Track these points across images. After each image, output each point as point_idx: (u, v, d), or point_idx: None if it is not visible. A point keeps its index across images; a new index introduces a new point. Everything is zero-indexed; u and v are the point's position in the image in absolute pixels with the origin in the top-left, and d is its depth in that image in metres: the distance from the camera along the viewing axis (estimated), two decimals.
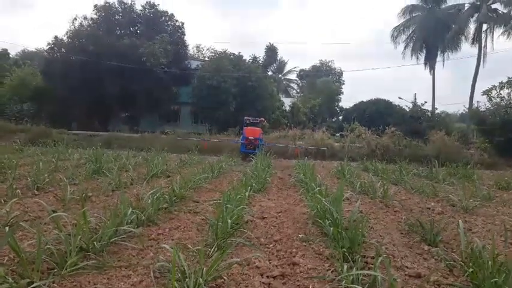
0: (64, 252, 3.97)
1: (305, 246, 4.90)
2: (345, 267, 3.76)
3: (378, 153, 18.45)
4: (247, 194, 7.73)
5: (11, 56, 43.72)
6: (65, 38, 29.57)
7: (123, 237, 4.75)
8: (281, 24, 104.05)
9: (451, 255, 4.64)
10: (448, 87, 79.61)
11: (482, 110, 21.47)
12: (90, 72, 26.57)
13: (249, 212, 6.54)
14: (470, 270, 3.76)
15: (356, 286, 3.38)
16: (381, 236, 5.59)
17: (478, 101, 26.04)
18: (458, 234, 5.77)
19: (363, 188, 9.54)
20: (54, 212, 6.21)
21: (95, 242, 4.30)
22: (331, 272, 4.04)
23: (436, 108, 29.89)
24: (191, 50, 38.50)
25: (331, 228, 4.82)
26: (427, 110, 28.46)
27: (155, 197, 6.27)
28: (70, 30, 30.14)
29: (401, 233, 5.86)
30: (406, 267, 4.33)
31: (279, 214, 6.75)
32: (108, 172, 10.29)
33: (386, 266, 3.85)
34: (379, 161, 15.95)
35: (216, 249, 4.52)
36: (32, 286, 3.22)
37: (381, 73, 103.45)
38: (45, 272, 3.67)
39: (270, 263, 4.30)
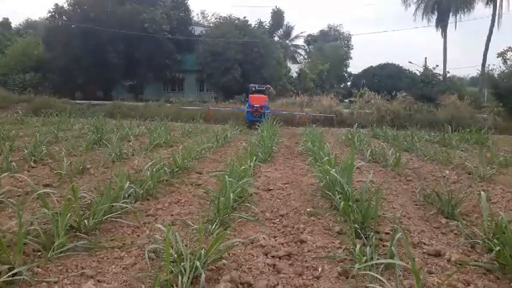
0: (52, 232, 3.67)
1: (313, 221, 4.56)
2: (358, 246, 3.41)
3: (388, 119, 17.94)
4: (252, 164, 7.37)
5: (13, 25, 42.99)
6: (65, 6, 28.77)
7: (119, 214, 4.44)
8: None
9: (472, 230, 4.28)
10: (460, 50, 77.71)
11: (496, 73, 20.67)
12: (92, 40, 25.91)
13: (254, 184, 6.21)
14: (497, 248, 3.39)
15: (370, 272, 3.01)
16: (394, 208, 5.24)
17: (492, 64, 25.13)
18: (477, 205, 5.42)
19: (373, 156, 9.15)
20: (47, 186, 6.01)
21: (85, 220, 3.99)
22: (343, 250, 3.70)
23: (448, 72, 28.97)
24: (195, 16, 37.45)
25: (342, 203, 4.44)
26: (439, 74, 27.57)
27: (154, 169, 5.93)
28: None
29: (416, 205, 5.50)
30: (424, 243, 3.98)
31: (286, 185, 6.40)
32: (109, 143, 10.02)
33: (404, 243, 3.53)
34: (390, 127, 15.46)
35: (218, 225, 4.20)
36: (12, 272, 2.91)
37: (390, 37, 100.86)
38: (30, 255, 3.37)
39: (275, 240, 3.97)
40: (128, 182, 5.29)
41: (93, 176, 6.68)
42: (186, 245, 3.62)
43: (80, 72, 27.01)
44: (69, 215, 3.85)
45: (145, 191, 5.39)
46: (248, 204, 4.90)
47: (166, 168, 6.66)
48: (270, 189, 6.06)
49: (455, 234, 4.33)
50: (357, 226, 4.04)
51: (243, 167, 6.05)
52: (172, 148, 10.07)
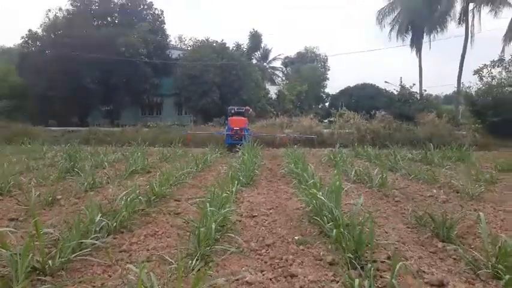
0: (11, 276, 3.23)
1: (302, 250, 4.22)
2: (357, 282, 3.07)
3: (368, 138, 17.86)
4: (234, 189, 7.01)
5: None
6: (39, 31, 28.27)
7: (89, 251, 4.02)
8: (265, 10, 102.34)
9: (472, 254, 4.01)
10: (435, 69, 79.57)
11: (473, 90, 20.98)
12: (67, 66, 25.36)
13: (237, 211, 5.84)
14: (507, 277, 3.11)
15: None
16: (386, 232, 4.94)
17: (467, 82, 25.53)
18: (472, 226, 5.17)
19: (358, 176, 8.89)
20: (13, 220, 5.53)
21: (50, 261, 3.56)
22: (338, 284, 3.36)
23: (425, 90, 29.45)
24: (173, 40, 37.28)
25: (334, 231, 4.11)
26: (416, 93, 27.97)
27: (129, 198, 5.51)
28: (44, 22, 28.82)
29: (408, 227, 5.21)
30: (424, 272, 3.67)
31: (270, 211, 6.05)
32: (83, 171, 9.54)
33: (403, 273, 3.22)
34: (371, 146, 15.33)
35: (199, 260, 3.82)
36: None
37: (366, 58, 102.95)
38: None
39: (263, 275, 3.60)
40: (100, 215, 4.88)
41: (63, 208, 6.20)
42: (164, 286, 3.23)
43: (55, 98, 26.29)
44: (31, 255, 3.44)
45: (118, 223, 4.97)
46: (231, 234, 4.53)
47: (142, 197, 6.23)
48: (254, 216, 5.70)
49: (455, 259, 4.05)
50: (351, 255, 3.72)
51: (224, 194, 5.66)
52: (149, 174, 9.65)
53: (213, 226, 4.14)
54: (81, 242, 4.03)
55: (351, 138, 17.95)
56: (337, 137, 17.90)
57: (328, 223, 4.67)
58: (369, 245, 3.90)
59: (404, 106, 25.28)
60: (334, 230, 4.06)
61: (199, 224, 4.26)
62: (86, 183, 7.69)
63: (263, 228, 5.10)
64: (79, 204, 6.45)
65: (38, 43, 27.92)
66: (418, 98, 27.39)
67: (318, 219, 4.90)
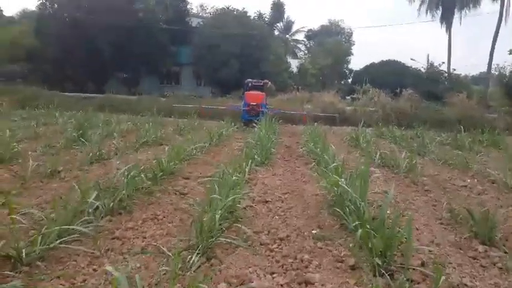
0: None
1: (320, 248, 3.64)
2: None
3: (394, 118, 16.96)
4: (247, 168, 6.46)
5: (9, 15, 41.54)
6: None
7: (76, 237, 3.54)
8: None
9: None
10: (465, 47, 76.15)
11: (507, 70, 19.66)
12: (83, 30, 24.82)
13: (249, 194, 5.28)
14: None
15: None
16: (417, 229, 4.32)
17: (504, 61, 23.88)
18: None
19: (383, 159, 8.21)
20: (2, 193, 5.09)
21: (24, 249, 3.07)
22: None
23: (454, 69, 27.97)
24: (195, 9, 36.15)
25: (359, 230, 3.50)
26: (445, 71, 26.62)
27: (130, 174, 4.99)
28: None
29: (442, 224, 4.58)
30: (466, 285, 3.07)
31: (286, 196, 5.47)
32: (91, 140, 9.12)
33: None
34: (396, 126, 14.52)
35: (199, 255, 3.29)
36: None
37: (392, 35, 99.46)
38: None
39: (273, 279, 3.05)
40: (95, 193, 4.39)
41: (62, 181, 5.74)
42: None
43: (71, 63, 25.91)
44: (3, 242, 2.96)
45: (117, 203, 4.47)
46: (238, 225, 3.96)
47: (147, 174, 5.74)
48: (267, 201, 5.13)
49: (500, 269, 3.42)
50: (378, 261, 3.13)
51: (235, 177, 5.07)
52: (161, 147, 9.11)
53: (217, 216, 3.57)
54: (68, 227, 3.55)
55: (375, 117, 17.07)
56: (360, 115, 17.04)
57: (351, 215, 4.09)
58: (399, 248, 3.32)
59: (432, 85, 24.07)
60: (360, 230, 3.43)
61: (202, 211, 3.71)
62: (90, 155, 7.23)
63: (277, 217, 4.53)
64: (81, 177, 5.99)
65: (55, 5, 27.33)
66: (447, 77, 26.12)
67: (340, 210, 4.30)
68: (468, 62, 79.01)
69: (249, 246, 3.62)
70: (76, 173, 6.28)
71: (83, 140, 8.62)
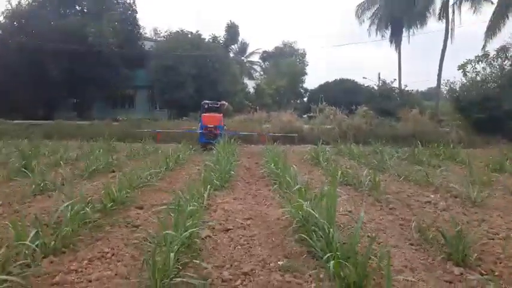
0: None
1: (289, 282, 3.30)
2: None
3: (350, 135, 17.11)
4: (206, 193, 6.09)
5: None
6: (1, 18, 26.47)
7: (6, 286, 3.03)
8: (242, 4, 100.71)
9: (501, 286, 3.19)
10: (414, 65, 79.78)
11: (458, 86, 20.39)
12: (31, 56, 23.71)
13: (208, 223, 4.89)
14: None
15: None
16: (387, 251, 4.07)
17: (453, 77, 24.84)
18: (486, 243, 4.39)
19: (344, 177, 8.05)
20: None
21: None
22: None
23: (405, 86, 28.89)
24: (148, 33, 35.53)
25: (331, 262, 3.19)
26: (396, 88, 27.44)
27: (75, 208, 4.48)
28: (7, 9, 26.91)
29: (412, 245, 4.37)
30: None
31: (248, 222, 5.12)
32: (36, 170, 8.45)
33: None
34: (353, 142, 14.57)
35: None
36: None
37: (344, 54, 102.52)
38: None
39: None
40: (35, 230, 3.88)
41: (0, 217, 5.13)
42: None
43: (19, 89, 24.61)
44: None
45: (59, 240, 3.98)
46: (197, 261, 3.56)
47: (96, 205, 5.26)
48: (228, 230, 4.76)
49: None
50: None
51: (192, 205, 4.69)
52: (113, 174, 8.54)
53: (172, 255, 3.17)
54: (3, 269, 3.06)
55: (332, 134, 17.14)
56: (317, 133, 17.06)
57: (319, 241, 3.81)
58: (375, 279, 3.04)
59: (385, 102, 24.66)
60: (332, 261, 3.11)
61: (155, 247, 3.30)
62: (33, 186, 6.61)
63: (239, 247, 4.17)
64: (22, 211, 5.40)
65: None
66: (399, 93, 26.91)
67: (306, 237, 4.01)
68: (417, 77, 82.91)
69: (210, 284, 3.24)
70: (17, 207, 5.68)
71: (24, 170, 7.88)
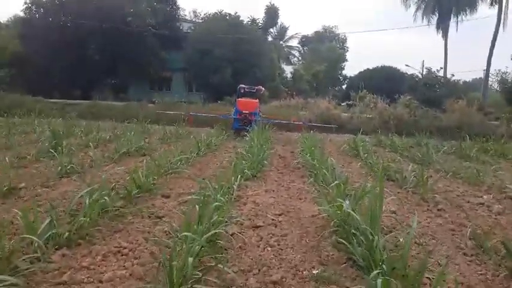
0: None
1: None
2: None
3: (392, 125, 16.25)
4: (236, 183, 5.69)
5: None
6: None
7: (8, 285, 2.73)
8: None
9: None
10: (460, 53, 75.68)
11: (509, 76, 19.06)
12: (70, 35, 23.94)
13: (237, 217, 4.49)
14: None
15: None
16: (439, 264, 3.54)
17: (505, 67, 23.14)
18: None
19: (386, 171, 7.44)
20: None
21: None
22: None
23: (452, 75, 27.34)
24: (188, 15, 35.26)
25: (379, 281, 2.69)
26: (442, 77, 26.02)
27: (94, 196, 4.18)
28: None
29: (466, 255, 3.82)
30: None
31: (280, 218, 4.69)
32: (69, 149, 8.33)
33: None
34: (395, 133, 13.78)
35: None
36: None
37: (386, 40, 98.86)
38: None
39: None
40: (48, 220, 3.59)
41: (19, 201, 4.92)
42: None
43: (57, 69, 24.98)
44: None
45: (76, 230, 3.68)
46: (220, 265, 3.15)
47: (120, 192, 4.98)
48: (258, 227, 4.34)
49: None
50: None
51: (220, 195, 4.29)
52: (143, 157, 8.28)
53: (190, 260, 2.77)
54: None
55: (372, 124, 16.37)
56: (357, 122, 16.32)
57: (360, 247, 3.33)
58: None
59: (430, 91, 23.44)
60: (379, 280, 2.61)
61: (175, 245, 2.92)
62: (60, 168, 6.41)
63: (269, 248, 3.74)
64: (44, 195, 5.19)
65: (41, 9, 26.44)
66: (445, 82, 25.49)
67: (345, 241, 3.53)
68: (463, 67, 78.54)
69: None
70: (41, 190, 5.48)
71: (52, 151, 7.71)
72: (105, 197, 4.28)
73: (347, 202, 4.04)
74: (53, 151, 7.64)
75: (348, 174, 6.90)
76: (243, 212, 4.85)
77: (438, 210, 5.40)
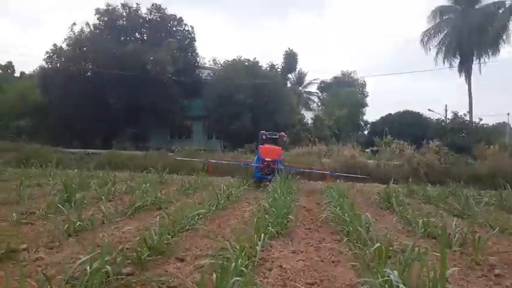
0: None
1: None
2: None
3: (422, 173, 15.43)
4: (259, 244, 5.04)
5: (20, 71, 41.80)
6: (64, 46, 27.65)
7: None
8: (300, 34, 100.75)
9: None
10: (482, 97, 74.30)
11: None
12: (91, 83, 24.38)
13: (260, 285, 3.83)
14: None
15: None
16: None
17: None
18: None
19: (426, 227, 6.67)
20: None
21: None
22: None
23: (481, 119, 26.50)
24: (207, 63, 35.85)
25: None
26: (470, 122, 25.23)
27: (94, 265, 3.59)
28: (69, 37, 28.10)
29: None
30: None
31: None
32: (81, 203, 7.87)
33: None
34: (427, 182, 12.98)
35: None
36: None
37: (406, 86, 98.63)
38: None
39: None
40: None
41: (17, 266, 4.37)
42: None
43: (78, 118, 25.23)
44: None
45: None
46: None
47: (129, 255, 4.40)
48: None
49: None
50: None
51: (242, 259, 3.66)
52: (159, 211, 7.71)
53: None
54: None
55: (401, 171, 15.58)
56: (384, 169, 15.58)
57: None
58: None
59: (458, 136, 22.62)
60: None
61: None
62: (67, 225, 5.88)
63: None
64: (46, 259, 4.64)
65: (62, 59, 27.10)
66: (473, 127, 24.68)
67: None
68: (486, 111, 77.00)
69: None
70: (44, 251, 4.95)
71: (60, 206, 7.24)
72: (107, 266, 3.67)
73: (395, 273, 3.36)
74: (60, 206, 7.15)
75: (384, 230, 6.18)
76: (269, 280, 4.18)
77: (495, 276, 4.62)
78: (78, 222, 6.02)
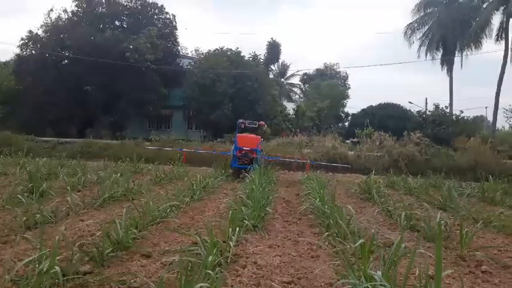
0: None
1: None
2: None
3: (402, 164, 15.27)
4: (233, 238, 4.68)
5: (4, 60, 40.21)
6: (40, 32, 26.63)
7: None
8: (283, 26, 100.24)
9: None
10: (462, 90, 75.29)
11: None
12: (67, 71, 23.51)
13: (231, 284, 3.47)
14: None
15: None
16: None
17: (509, 104, 22.51)
18: None
19: (409, 220, 6.41)
20: None
21: None
22: None
23: (461, 111, 26.56)
24: (190, 53, 34.92)
25: None
26: (451, 114, 25.28)
27: (46, 266, 3.17)
28: (46, 23, 27.04)
29: None
30: None
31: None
32: (46, 194, 7.40)
33: None
34: (407, 173, 12.82)
35: None
36: None
37: (387, 79, 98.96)
38: None
39: None
40: None
41: None
42: None
43: (53, 106, 24.33)
44: None
45: None
46: None
47: (87, 252, 3.98)
48: None
49: None
50: None
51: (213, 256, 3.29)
52: (131, 203, 7.26)
53: None
54: None
55: (381, 163, 15.41)
56: (364, 160, 15.38)
57: None
58: None
59: (439, 129, 22.62)
60: None
61: None
62: (24, 219, 5.40)
63: None
64: None
65: (37, 45, 26.09)
66: (454, 120, 24.71)
67: None
68: (465, 104, 78.04)
69: None
70: None
71: (19, 196, 6.74)
72: (56, 266, 3.25)
73: (379, 273, 3.04)
74: (20, 196, 6.65)
75: (365, 223, 5.90)
76: (242, 279, 3.82)
77: (482, 272, 4.37)
78: (39, 215, 5.57)
